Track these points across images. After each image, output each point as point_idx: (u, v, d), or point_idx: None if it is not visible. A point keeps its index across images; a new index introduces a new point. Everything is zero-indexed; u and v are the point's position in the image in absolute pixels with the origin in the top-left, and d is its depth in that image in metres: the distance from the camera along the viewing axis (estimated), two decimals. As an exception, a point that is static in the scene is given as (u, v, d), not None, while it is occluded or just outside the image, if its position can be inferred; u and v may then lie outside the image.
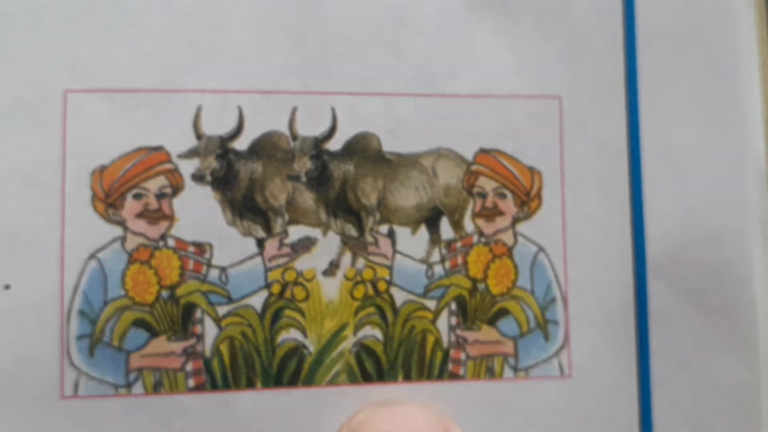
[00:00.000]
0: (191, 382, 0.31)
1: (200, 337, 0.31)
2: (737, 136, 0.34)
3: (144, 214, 0.31)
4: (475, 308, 0.33)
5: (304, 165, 0.32)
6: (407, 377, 0.32)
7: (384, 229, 0.33)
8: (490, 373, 0.33)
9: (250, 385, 0.31)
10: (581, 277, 0.33)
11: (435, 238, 0.33)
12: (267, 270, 0.32)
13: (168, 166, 0.31)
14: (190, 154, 0.31)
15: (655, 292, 0.34)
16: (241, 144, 0.32)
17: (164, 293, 0.31)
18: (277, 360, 0.32)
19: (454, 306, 0.33)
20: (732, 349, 0.33)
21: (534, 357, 0.33)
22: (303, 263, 0.32)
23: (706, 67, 0.34)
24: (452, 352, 0.33)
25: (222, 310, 0.31)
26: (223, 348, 0.31)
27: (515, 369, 0.33)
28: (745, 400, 0.33)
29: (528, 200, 0.33)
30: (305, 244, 0.32)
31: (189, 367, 0.31)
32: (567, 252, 0.33)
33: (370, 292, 0.32)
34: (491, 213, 0.33)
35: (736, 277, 0.34)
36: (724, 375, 0.33)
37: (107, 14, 0.31)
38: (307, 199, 0.32)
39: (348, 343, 0.32)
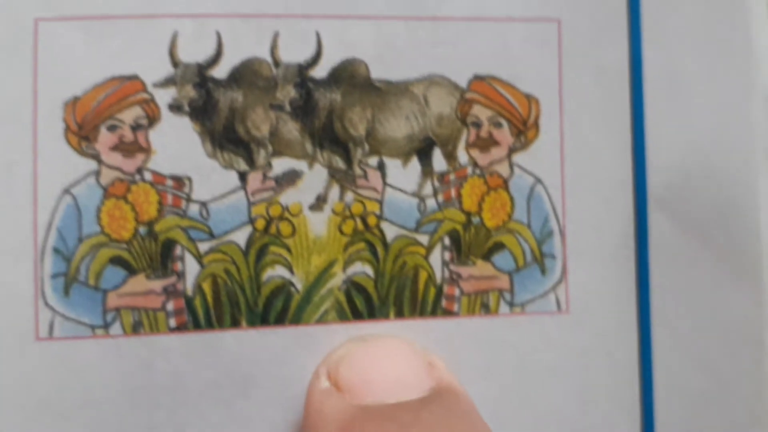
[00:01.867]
0: (172, 322, 0.30)
1: (181, 275, 0.30)
2: (744, 64, 0.33)
3: (119, 147, 0.30)
4: (470, 243, 0.32)
5: (287, 94, 0.31)
6: (399, 314, 0.32)
7: (373, 161, 0.32)
8: (485, 309, 0.32)
9: (235, 324, 0.31)
10: (580, 210, 0.33)
11: (427, 170, 0.32)
12: (250, 204, 0.31)
13: (143, 95, 0.30)
14: (167, 83, 0.30)
15: (656, 225, 0.33)
16: (220, 72, 0.31)
17: (142, 229, 0.30)
18: (262, 298, 0.31)
19: (447, 241, 0.32)
20: (736, 283, 0.33)
21: (530, 292, 0.33)
22: (288, 197, 0.31)
23: (713, -8, 0.33)
24: (446, 288, 0.32)
25: (203, 247, 0.31)
26: (206, 286, 0.31)
27: (511, 304, 0.32)
28: (750, 336, 0.33)
29: (525, 129, 0.33)
30: (290, 177, 0.31)
31: (170, 306, 0.30)
32: (565, 184, 0.33)
33: (360, 227, 0.32)
34: (486, 143, 0.32)
35: (740, 209, 0.33)
36: (728, 310, 0.33)
37: (77, -65, 0.30)
38: (291, 129, 0.31)
39: (337, 280, 0.31)
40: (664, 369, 0.33)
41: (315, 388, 0.28)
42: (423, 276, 0.32)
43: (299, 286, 0.31)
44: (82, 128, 0.30)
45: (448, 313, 0.32)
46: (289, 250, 0.31)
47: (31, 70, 0.30)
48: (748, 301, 0.33)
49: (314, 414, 0.27)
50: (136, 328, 0.30)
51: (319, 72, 0.31)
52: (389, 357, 0.28)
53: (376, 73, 0.32)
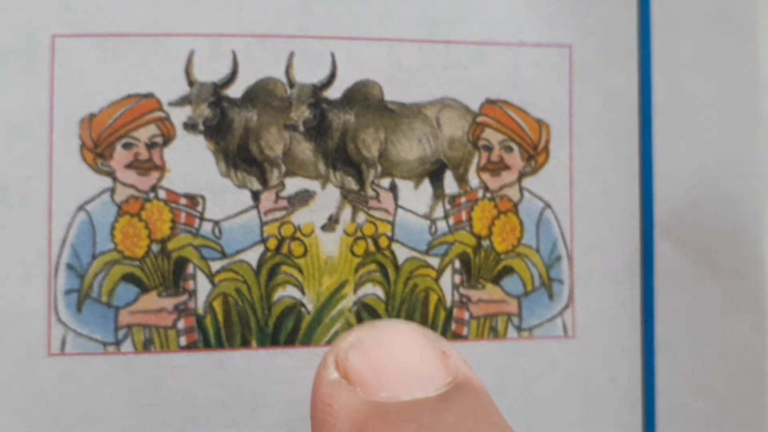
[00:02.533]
0: (183, 340, 0.30)
1: (192, 294, 0.30)
2: (751, 92, 0.34)
3: (134, 165, 0.30)
4: (480, 266, 0.32)
5: (301, 114, 0.31)
6: (408, 337, 0.32)
7: (385, 182, 0.32)
8: (494, 333, 0.32)
9: (245, 343, 0.31)
10: (587, 235, 0.33)
11: (438, 193, 0.32)
12: (263, 224, 0.31)
13: (159, 114, 0.30)
14: (182, 101, 0.30)
15: (661, 251, 0.33)
16: (236, 91, 0.31)
17: (155, 247, 0.30)
18: (273, 318, 0.31)
19: (457, 264, 0.32)
20: (739, 311, 0.33)
21: (538, 316, 0.33)
22: (300, 217, 0.31)
23: (723, 20, 0.33)
24: (456, 312, 0.32)
25: (215, 266, 0.31)
26: (217, 305, 0.31)
27: (519, 329, 0.32)
28: (752, 362, 0.33)
29: (535, 154, 0.33)
30: (303, 197, 0.31)
31: (181, 324, 0.30)
32: (574, 209, 0.33)
33: (371, 248, 0.32)
34: (497, 167, 0.33)
35: (745, 237, 0.33)
36: (731, 336, 0.33)
37: (95, -45, 0.30)
38: (304, 149, 0.31)
39: (348, 301, 0.31)
40: (667, 394, 0.33)
41: (323, 379, 0.25)
42: (433, 299, 0.32)
43: (310, 306, 0.31)
44: (98, 145, 0.30)
45: (458, 336, 0.32)
46: (300, 270, 0.31)
47: (47, 86, 0.30)
48: (750, 328, 0.33)
49: (323, 408, 0.25)
50: (147, 346, 0.30)
51: (333, 93, 0.31)
52: (402, 345, 0.26)
53: (390, 95, 0.32)
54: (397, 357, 0.25)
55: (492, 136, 0.32)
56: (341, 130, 0.31)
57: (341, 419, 0.24)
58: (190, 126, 0.31)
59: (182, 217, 0.30)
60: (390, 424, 0.23)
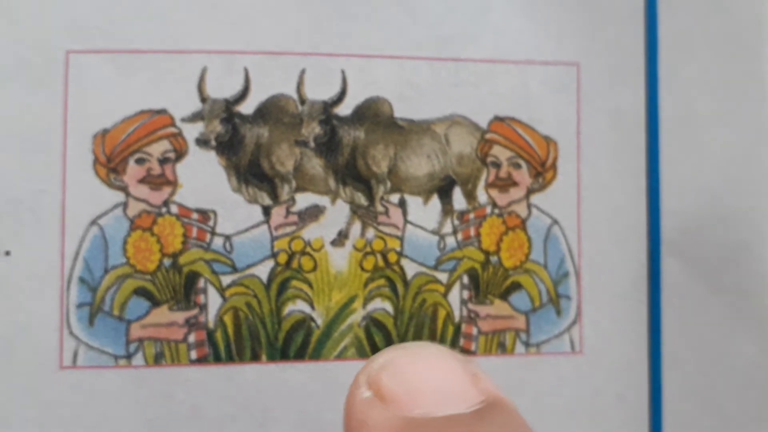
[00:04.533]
0: (193, 354, 0.30)
1: (203, 308, 0.31)
2: (758, 111, 0.34)
3: (147, 180, 0.31)
4: (488, 282, 0.32)
5: (312, 130, 0.31)
6: (417, 352, 0.32)
7: (395, 198, 0.32)
8: (502, 349, 0.32)
9: (255, 358, 0.31)
10: (595, 252, 0.33)
11: (447, 209, 0.32)
12: (273, 239, 0.31)
13: (171, 129, 0.31)
14: (195, 117, 0.31)
15: (668, 268, 0.33)
16: (247, 107, 0.31)
17: (166, 261, 0.31)
18: (283, 333, 0.31)
19: (466, 279, 0.32)
20: (745, 329, 0.33)
21: (546, 332, 0.33)
22: (311, 232, 0.31)
23: (729, 39, 0.34)
24: (464, 327, 0.32)
25: (226, 280, 0.31)
26: (227, 319, 0.31)
27: (527, 345, 0.32)
28: (758, 381, 0.33)
29: (543, 171, 0.33)
30: (313, 213, 0.31)
31: (191, 338, 0.30)
32: (581, 225, 0.33)
33: (380, 263, 0.32)
34: (505, 183, 0.33)
35: (751, 255, 0.33)
36: (737, 354, 0.33)
37: (110, -28, 0.30)
38: (315, 165, 0.32)
39: (357, 316, 0.31)
40: (674, 410, 0.33)
41: (355, 398, 0.26)
42: (442, 314, 0.32)
43: (319, 321, 0.31)
44: (111, 160, 0.30)
45: (466, 351, 0.32)
46: (310, 284, 0.31)
47: (61, 101, 0.30)
48: (756, 346, 0.33)
49: (357, 426, 0.26)
50: (158, 359, 0.30)
51: (344, 110, 0.32)
52: (433, 366, 0.27)
53: (400, 112, 0.32)
54: (429, 376, 0.26)
55: (500, 153, 0.33)
56: (351, 146, 0.32)
57: None
58: (202, 142, 0.31)
59: (194, 232, 0.31)
60: None
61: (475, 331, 0.32)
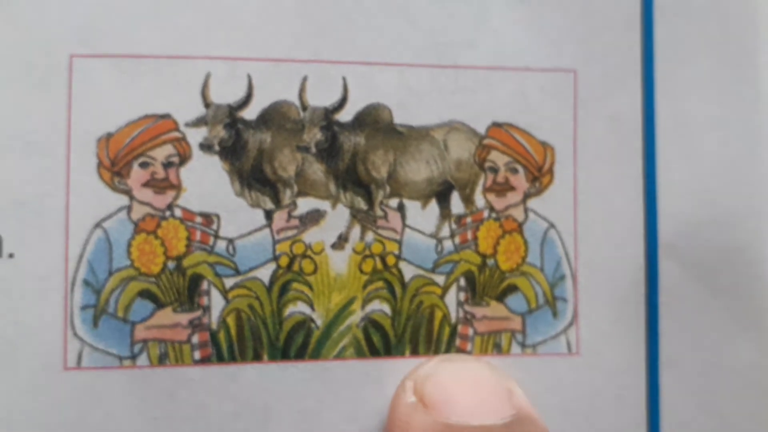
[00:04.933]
0: (197, 355, 0.31)
1: (206, 309, 0.31)
2: (754, 115, 0.34)
3: (150, 184, 0.31)
4: (484, 284, 0.33)
5: (313, 136, 0.32)
6: (414, 352, 0.32)
7: (394, 202, 0.32)
8: (498, 349, 0.33)
9: (257, 358, 0.31)
10: (591, 255, 0.33)
11: (445, 213, 0.33)
12: (275, 242, 0.31)
13: (175, 134, 0.31)
14: (198, 122, 0.31)
15: (665, 271, 0.33)
16: (250, 113, 0.31)
17: (170, 264, 0.31)
18: (284, 333, 0.31)
19: (462, 281, 0.33)
20: (742, 331, 0.33)
21: (542, 334, 0.33)
22: (311, 236, 0.32)
23: (724, 45, 0.34)
24: (460, 328, 0.32)
25: (229, 282, 0.31)
26: (230, 320, 0.31)
27: (523, 345, 0.33)
28: (755, 382, 0.33)
29: (540, 176, 0.33)
30: (314, 217, 0.32)
31: (195, 339, 0.31)
32: (578, 229, 0.33)
33: (379, 266, 0.32)
34: (502, 188, 0.33)
35: (748, 258, 0.33)
36: (734, 357, 0.33)
37: (114, -22, 0.31)
38: (316, 170, 0.32)
39: (356, 317, 0.32)
40: (672, 412, 0.33)
41: (401, 401, 0.29)
42: (438, 315, 0.32)
43: (319, 322, 0.32)
44: (115, 164, 0.30)
45: (462, 352, 0.32)
46: (310, 287, 0.32)
47: (65, 105, 0.30)
48: (753, 348, 0.33)
49: (401, 426, 0.28)
50: (162, 360, 0.30)
51: (345, 116, 0.32)
52: (473, 380, 0.29)
53: (399, 118, 0.32)
54: (469, 389, 0.28)
55: (498, 158, 0.33)
56: (352, 151, 0.32)
57: None
58: (205, 146, 0.31)
59: (197, 235, 0.31)
60: None
61: (471, 332, 0.32)
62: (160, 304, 0.31)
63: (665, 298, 0.33)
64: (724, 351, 0.33)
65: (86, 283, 0.30)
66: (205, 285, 0.31)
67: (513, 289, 0.33)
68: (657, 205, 0.33)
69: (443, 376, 0.29)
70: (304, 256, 0.32)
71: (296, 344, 0.31)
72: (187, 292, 0.31)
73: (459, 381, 0.29)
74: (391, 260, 0.32)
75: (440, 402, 0.28)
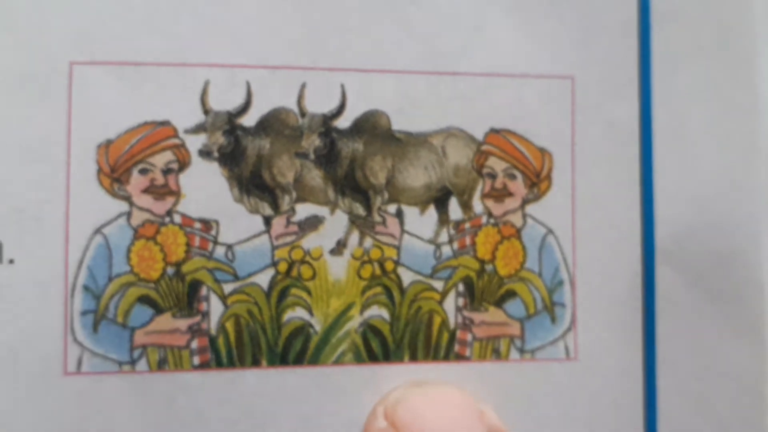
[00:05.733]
0: (196, 360, 0.31)
1: (206, 315, 0.31)
2: (750, 121, 0.34)
3: (150, 190, 0.31)
4: (483, 289, 0.33)
5: (312, 142, 0.32)
6: (413, 358, 0.32)
7: (392, 208, 0.32)
8: (496, 355, 0.33)
9: (256, 363, 0.31)
10: (589, 261, 0.33)
11: (443, 219, 0.33)
12: (274, 248, 0.31)
13: (175, 141, 0.31)
14: (197, 129, 0.31)
15: (662, 276, 0.33)
16: (249, 120, 0.32)
17: (170, 270, 0.31)
18: (282, 339, 0.31)
19: (461, 287, 0.33)
20: (739, 336, 0.33)
21: (540, 339, 0.33)
22: (310, 242, 0.32)
23: (721, 51, 0.34)
24: (459, 333, 0.32)
25: (228, 288, 0.31)
26: (229, 326, 0.31)
27: (521, 351, 0.33)
28: (752, 387, 0.33)
29: (538, 182, 0.33)
30: (312, 223, 0.32)
31: (194, 344, 0.31)
32: (576, 235, 0.33)
33: (378, 271, 0.32)
34: (501, 194, 0.33)
35: (744, 263, 0.33)
36: (731, 361, 0.33)
37: (114, -15, 0.31)
38: (315, 177, 0.32)
39: (354, 322, 0.32)
40: (669, 416, 0.33)
41: (373, 426, 0.29)
42: (437, 321, 0.32)
43: (318, 327, 0.32)
44: (115, 170, 0.31)
45: (461, 357, 0.32)
46: (309, 292, 0.32)
47: (65, 112, 0.30)
48: (749, 352, 0.33)
49: None
50: (161, 365, 0.30)
51: (343, 122, 0.32)
52: (443, 402, 0.29)
53: (397, 124, 0.32)
54: (439, 411, 0.28)
55: (496, 164, 0.33)
56: (350, 158, 0.32)
57: None
58: (204, 153, 0.31)
59: (196, 241, 0.31)
60: None
61: (469, 337, 0.32)
62: (159, 310, 0.31)
63: (662, 303, 0.33)
64: (721, 355, 0.33)
65: (86, 288, 0.30)
66: (204, 291, 0.31)
67: (511, 294, 0.33)
68: (654, 210, 0.34)
69: (414, 401, 0.29)
70: (302, 261, 0.32)
71: (295, 350, 0.31)
72: (187, 297, 0.31)
73: (429, 404, 0.29)
74: (389, 266, 0.32)
75: (411, 425, 0.28)
